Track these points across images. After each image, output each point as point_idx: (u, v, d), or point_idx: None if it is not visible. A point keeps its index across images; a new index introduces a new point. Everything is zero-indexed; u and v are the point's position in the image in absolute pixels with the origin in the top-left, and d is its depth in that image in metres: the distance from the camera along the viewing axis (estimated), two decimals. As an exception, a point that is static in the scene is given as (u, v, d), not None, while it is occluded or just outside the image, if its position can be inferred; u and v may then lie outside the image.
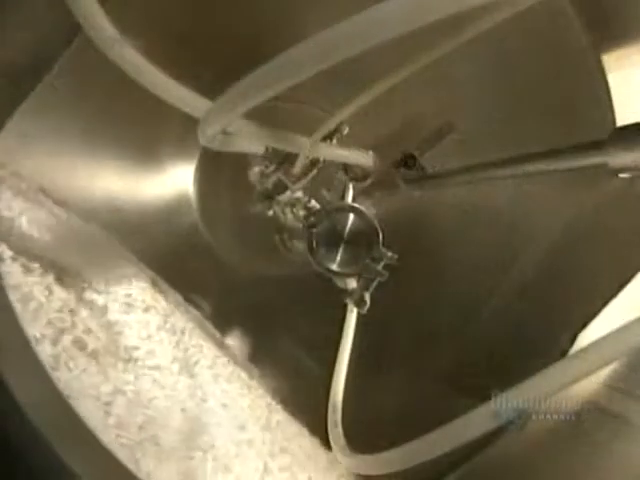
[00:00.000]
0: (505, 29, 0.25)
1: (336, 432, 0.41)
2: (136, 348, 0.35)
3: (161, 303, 0.42)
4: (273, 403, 0.43)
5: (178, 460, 0.31)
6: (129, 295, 0.40)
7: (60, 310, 0.32)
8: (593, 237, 0.49)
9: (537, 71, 0.49)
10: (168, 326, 0.41)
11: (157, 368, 0.35)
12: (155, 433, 0.30)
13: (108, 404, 0.29)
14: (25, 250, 0.33)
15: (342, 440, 0.40)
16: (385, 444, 0.30)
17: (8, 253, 0.32)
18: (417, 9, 0.16)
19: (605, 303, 0.45)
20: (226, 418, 0.37)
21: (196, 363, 0.39)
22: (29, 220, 0.37)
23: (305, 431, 0.42)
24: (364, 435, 0.45)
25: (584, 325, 0.46)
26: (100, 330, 0.34)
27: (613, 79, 0.47)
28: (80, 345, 0.32)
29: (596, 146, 0.26)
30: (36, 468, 0.25)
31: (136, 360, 0.35)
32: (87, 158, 0.48)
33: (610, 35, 0.47)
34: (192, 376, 0.38)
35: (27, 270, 0.32)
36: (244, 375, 0.43)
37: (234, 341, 0.53)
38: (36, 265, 0.33)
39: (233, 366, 0.43)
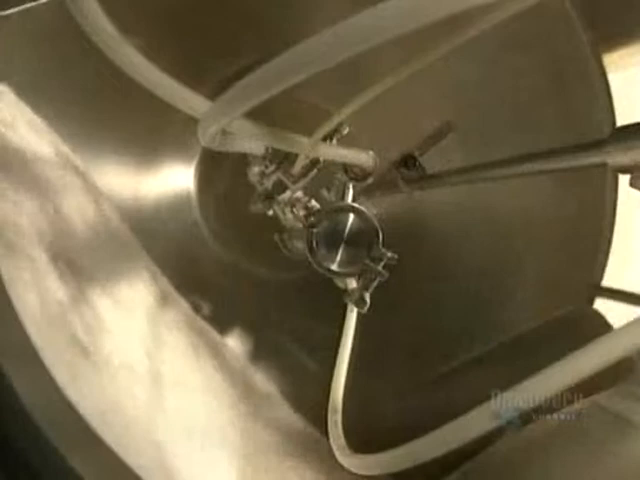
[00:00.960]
0: (505, 29, 0.25)
1: (336, 432, 0.41)
2: (125, 358, 0.35)
3: (164, 315, 0.43)
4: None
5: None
6: (133, 301, 0.40)
7: (61, 309, 0.32)
8: (587, 233, 0.49)
9: (537, 71, 0.49)
10: (162, 340, 0.41)
11: (136, 382, 0.36)
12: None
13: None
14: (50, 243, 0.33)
15: (342, 440, 0.40)
16: (385, 444, 0.30)
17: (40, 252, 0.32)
18: (417, 9, 0.16)
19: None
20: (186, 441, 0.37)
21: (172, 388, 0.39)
22: (71, 206, 0.37)
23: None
24: (364, 435, 0.45)
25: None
26: (96, 332, 0.34)
27: (613, 79, 0.47)
28: (77, 345, 0.32)
29: (596, 146, 0.26)
30: (39, 469, 0.25)
31: (123, 368, 0.35)
32: (86, 156, 0.48)
33: (611, 35, 0.47)
34: (161, 399, 0.37)
35: (35, 264, 0.32)
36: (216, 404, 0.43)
37: (234, 341, 0.53)
38: (45, 259, 0.33)
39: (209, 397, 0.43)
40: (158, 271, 0.45)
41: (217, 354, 0.47)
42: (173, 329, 0.43)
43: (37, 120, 0.40)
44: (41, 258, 0.32)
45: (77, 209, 0.38)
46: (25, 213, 0.32)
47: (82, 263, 0.36)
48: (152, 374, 0.38)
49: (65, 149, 0.41)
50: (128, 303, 0.39)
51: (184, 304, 0.47)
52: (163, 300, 0.44)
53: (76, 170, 0.40)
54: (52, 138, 0.40)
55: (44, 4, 0.39)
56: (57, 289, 0.32)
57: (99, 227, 0.40)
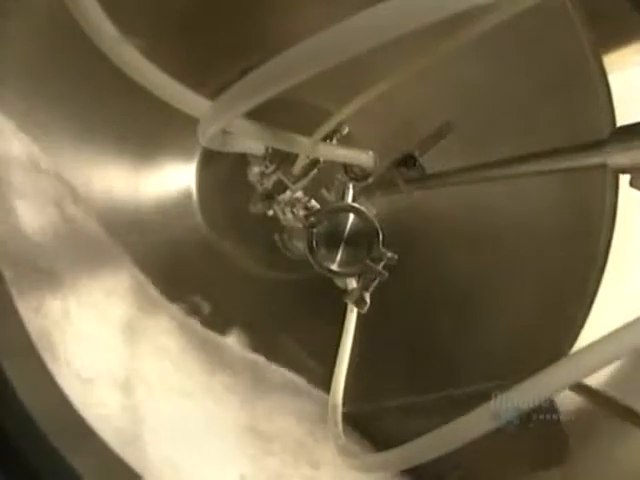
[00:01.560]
0: (506, 29, 0.25)
1: (336, 432, 0.41)
2: (111, 363, 0.35)
3: (152, 321, 0.42)
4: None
5: None
6: (118, 306, 0.40)
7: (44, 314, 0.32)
8: (587, 233, 0.49)
9: (537, 71, 0.49)
10: (151, 346, 0.41)
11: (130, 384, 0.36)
12: None
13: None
14: (22, 255, 0.33)
15: (342, 440, 0.40)
16: (385, 444, 0.30)
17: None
18: (417, 9, 0.16)
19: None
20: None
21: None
22: (38, 220, 0.36)
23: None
24: (364, 435, 0.45)
25: (583, 322, 0.46)
26: (80, 331, 0.34)
27: (613, 79, 0.47)
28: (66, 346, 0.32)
29: (596, 146, 0.26)
30: (39, 468, 0.25)
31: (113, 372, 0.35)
32: (87, 156, 0.48)
33: (611, 35, 0.47)
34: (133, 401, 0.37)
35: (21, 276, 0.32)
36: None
37: (234, 341, 0.53)
38: (31, 272, 0.33)
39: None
40: (144, 277, 0.45)
41: (214, 357, 0.47)
42: (163, 334, 0.43)
43: (6, 121, 0.39)
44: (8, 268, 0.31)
45: (40, 213, 0.37)
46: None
47: (51, 269, 0.35)
48: (145, 378, 0.38)
49: (35, 151, 0.40)
50: (113, 307, 0.39)
51: (176, 308, 0.47)
52: (151, 306, 0.43)
53: (46, 173, 0.40)
54: (22, 140, 0.39)
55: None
56: (15, 295, 0.32)
57: (71, 233, 0.40)
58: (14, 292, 0.29)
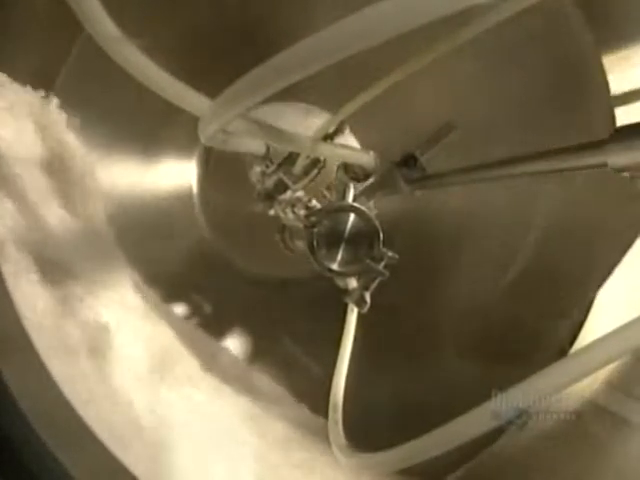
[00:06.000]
0: (506, 29, 0.25)
1: (336, 432, 0.41)
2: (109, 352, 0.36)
3: (151, 326, 0.43)
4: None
5: None
6: (117, 301, 0.40)
7: (49, 310, 0.32)
8: (586, 231, 0.49)
9: (538, 71, 0.49)
10: (147, 334, 0.41)
11: (131, 385, 0.36)
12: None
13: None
14: (32, 247, 0.33)
15: (342, 439, 0.40)
16: (385, 444, 0.30)
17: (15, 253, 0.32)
18: (417, 8, 0.16)
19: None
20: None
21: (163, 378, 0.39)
22: (47, 208, 0.36)
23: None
24: (364, 434, 0.45)
25: (583, 322, 0.46)
26: (83, 329, 0.34)
27: (613, 79, 0.47)
28: (66, 343, 0.32)
29: (596, 146, 0.26)
30: (33, 468, 0.25)
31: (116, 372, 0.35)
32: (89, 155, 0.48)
33: (611, 35, 0.47)
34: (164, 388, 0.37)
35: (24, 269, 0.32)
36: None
37: (234, 341, 0.53)
38: (32, 264, 0.33)
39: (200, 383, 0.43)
40: (145, 276, 0.45)
41: (214, 360, 0.47)
42: (162, 335, 0.43)
43: (46, 113, 0.39)
44: (20, 261, 0.32)
45: (56, 211, 0.37)
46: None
47: (69, 265, 0.36)
48: (144, 378, 0.38)
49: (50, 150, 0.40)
50: (114, 308, 0.39)
51: (175, 312, 0.47)
52: (148, 311, 0.44)
53: (61, 171, 0.40)
54: (56, 134, 0.39)
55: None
56: (41, 292, 0.32)
57: (83, 230, 0.40)
58: (14, 288, 0.29)
